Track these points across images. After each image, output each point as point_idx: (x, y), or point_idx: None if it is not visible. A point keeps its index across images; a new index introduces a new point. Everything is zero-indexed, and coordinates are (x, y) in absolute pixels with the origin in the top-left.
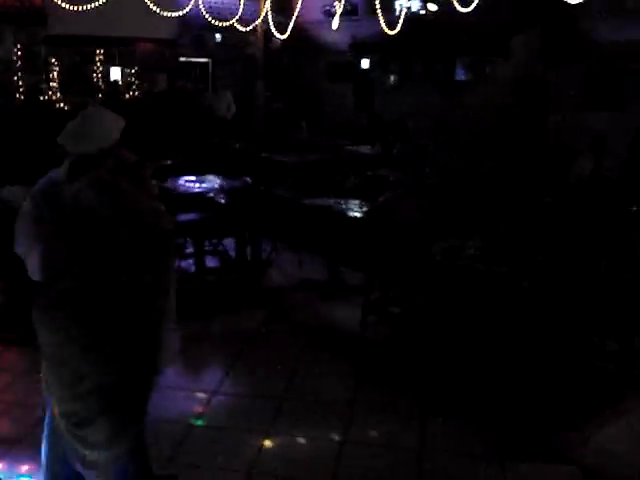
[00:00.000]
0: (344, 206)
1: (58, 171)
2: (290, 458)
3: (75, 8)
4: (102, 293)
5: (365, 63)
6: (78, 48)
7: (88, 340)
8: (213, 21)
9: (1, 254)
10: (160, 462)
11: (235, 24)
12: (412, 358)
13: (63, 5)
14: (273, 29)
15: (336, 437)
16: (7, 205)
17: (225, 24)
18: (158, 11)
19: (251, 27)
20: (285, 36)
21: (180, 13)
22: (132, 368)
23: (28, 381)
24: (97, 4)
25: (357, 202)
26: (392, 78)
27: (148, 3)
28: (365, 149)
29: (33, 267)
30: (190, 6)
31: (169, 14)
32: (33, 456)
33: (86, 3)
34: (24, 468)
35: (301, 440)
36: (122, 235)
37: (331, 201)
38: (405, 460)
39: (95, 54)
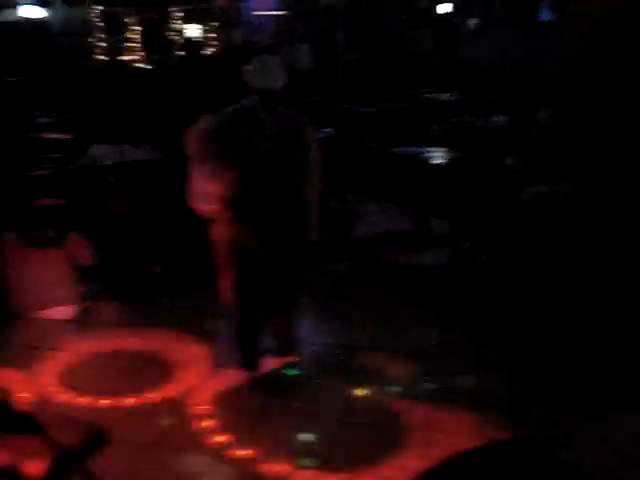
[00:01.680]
0: (429, 154)
1: (243, 107)
2: (381, 407)
3: None
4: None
5: (445, 7)
6: (156, 7)
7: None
8: None
9: (92, 213)
10: (254, 409)
11: None
12: (500, 308)
13: None
14: None
15: (427, 386)
16: (94, 163)
17: None
18: None
19: None
20: None
21: None
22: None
23: (124, 334)
24: None
25: (442, 150)
26: (473, 22)
27: None
28: (445, 96)
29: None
30: None
31: None
32: (134, 403)
33: None
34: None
35: (390, 390)
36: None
37: (415, 149)
38: (495, 409)
39: (172, 12)
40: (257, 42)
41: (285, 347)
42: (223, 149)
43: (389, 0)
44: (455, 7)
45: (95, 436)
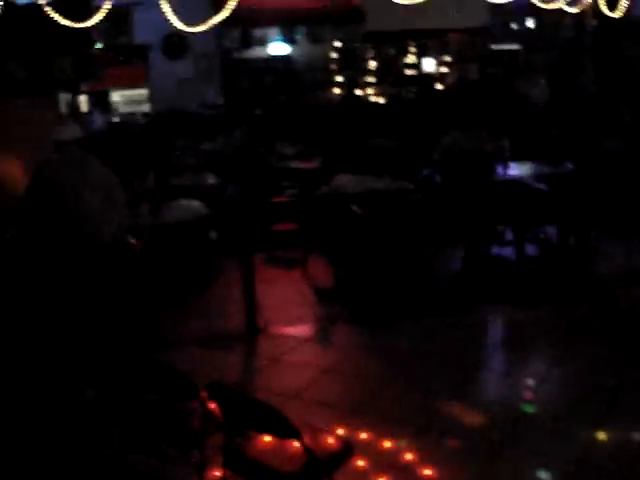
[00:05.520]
0: None
1: None
2: (624, 453)
3: (392, 4)
4: None
5: None
6: (392, 42)
7: None
8: (539, 3)
9: (334, 237)
10: (494, 445)
11: (562, 5)
12: None
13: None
14: (603, 7)
15: None
16: (337, 192)
17: (551, 6)
18: None
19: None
20: (619, 13)
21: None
22: None
23: (360, 356)
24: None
25: None
26: None
27: None
28: None
29: None
30: None
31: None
32: (371, 424)
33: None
34: (362, 435)
35: (638, 436)
36: None
37: None
38: None
39: (408, 46)
40: (493, 75)
41: None
42: None
43: (630, 31)
44: None
45: (344, 449)
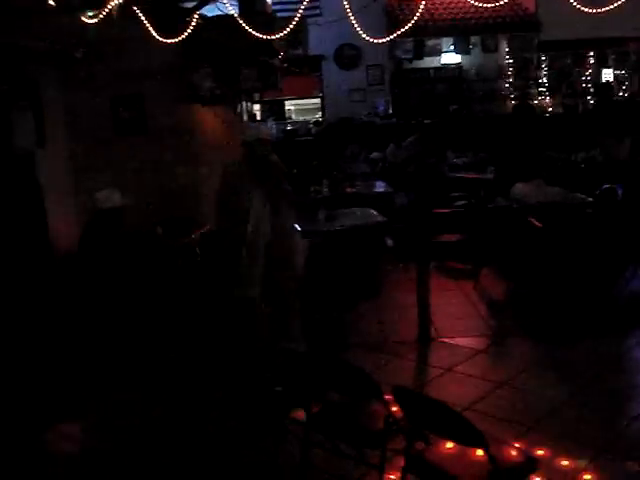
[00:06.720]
0: None
1: None
2: None
3: (569, 13)
4: None
5: None
6: (569, 51)
7: None
8: None
9: (510, 250)
10: None
11: None
12: None
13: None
14: None
15: None
16: (519, 202)
17: None
18: None
19: None
20: None
21: None
22: None
23: (535, 372)
24: (591, 10)
25: None
26: None
27: None
28: None
29: None
30: None
31: None
32: (548, 441)
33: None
34: (539, 452)
35: None
36: None
37: None
38: None
39: (586, 56)
40: None
41: None
42: None
43: None
44: None
45: (527, 463)
